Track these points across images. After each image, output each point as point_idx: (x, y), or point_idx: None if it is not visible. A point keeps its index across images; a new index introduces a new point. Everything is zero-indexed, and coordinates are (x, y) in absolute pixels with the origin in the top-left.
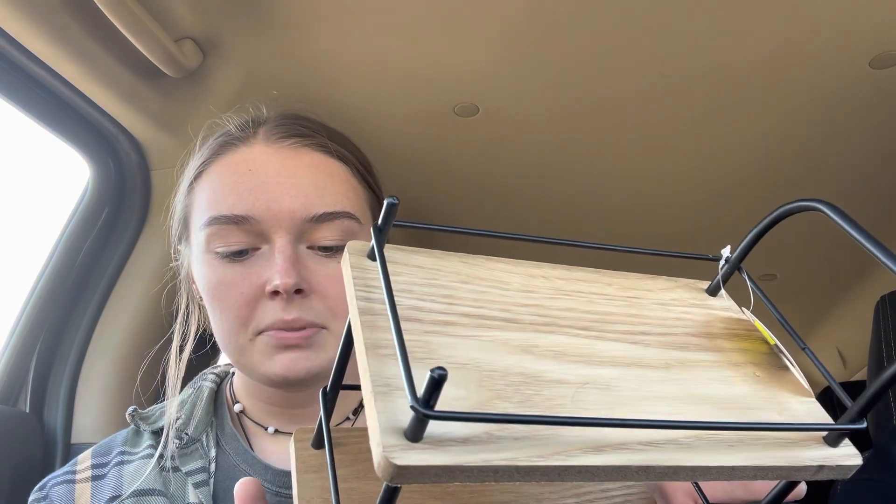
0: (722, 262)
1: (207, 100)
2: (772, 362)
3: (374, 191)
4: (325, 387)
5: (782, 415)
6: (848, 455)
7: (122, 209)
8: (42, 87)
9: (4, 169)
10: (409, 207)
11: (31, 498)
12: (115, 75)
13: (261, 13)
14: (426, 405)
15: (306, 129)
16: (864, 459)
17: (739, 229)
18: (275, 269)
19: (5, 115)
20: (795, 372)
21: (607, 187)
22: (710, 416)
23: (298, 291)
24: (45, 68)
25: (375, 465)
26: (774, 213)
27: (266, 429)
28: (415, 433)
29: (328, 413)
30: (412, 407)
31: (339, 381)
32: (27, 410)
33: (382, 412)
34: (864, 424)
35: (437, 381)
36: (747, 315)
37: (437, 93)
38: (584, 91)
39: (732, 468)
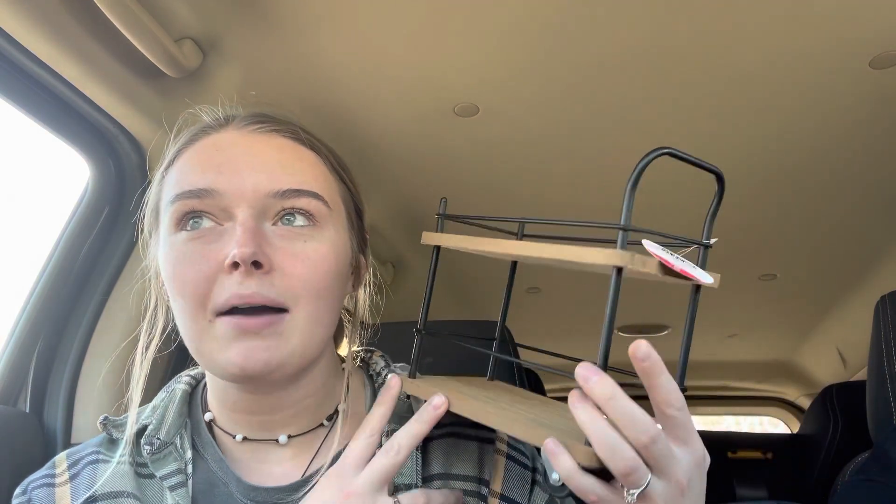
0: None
1: (207, 100)
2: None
3: (347, 185)
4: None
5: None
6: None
7: (122, 209)
8: (42, 87)
9: (4, 169)
10: (408, 207)
11: (13, 502)
12: (115, 75)
13: (261, 13)
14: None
15: (278, 118)
16: (864, 460)
17: (740, 228)
18: (234, 240)
19: (5, 115)
20: None
21: (607, 187)
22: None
23: (259, 266)
24: (45, 68)
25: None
26: (636, 169)
27: (234, 437)
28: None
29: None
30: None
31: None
32: (27, 410)
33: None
34: None
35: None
36: (652, 248)
37: (437, 93)
38: (584, 91)
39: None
